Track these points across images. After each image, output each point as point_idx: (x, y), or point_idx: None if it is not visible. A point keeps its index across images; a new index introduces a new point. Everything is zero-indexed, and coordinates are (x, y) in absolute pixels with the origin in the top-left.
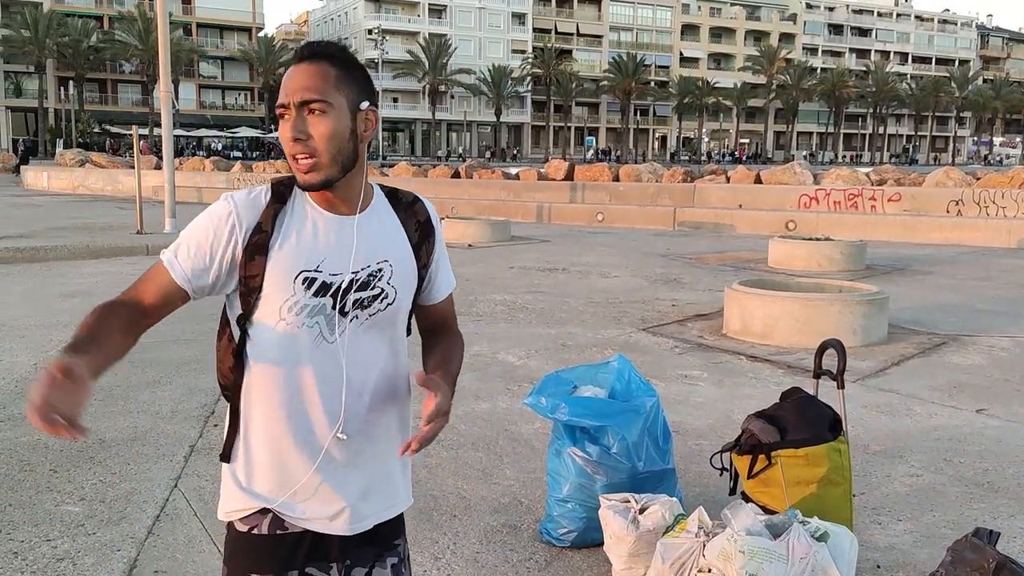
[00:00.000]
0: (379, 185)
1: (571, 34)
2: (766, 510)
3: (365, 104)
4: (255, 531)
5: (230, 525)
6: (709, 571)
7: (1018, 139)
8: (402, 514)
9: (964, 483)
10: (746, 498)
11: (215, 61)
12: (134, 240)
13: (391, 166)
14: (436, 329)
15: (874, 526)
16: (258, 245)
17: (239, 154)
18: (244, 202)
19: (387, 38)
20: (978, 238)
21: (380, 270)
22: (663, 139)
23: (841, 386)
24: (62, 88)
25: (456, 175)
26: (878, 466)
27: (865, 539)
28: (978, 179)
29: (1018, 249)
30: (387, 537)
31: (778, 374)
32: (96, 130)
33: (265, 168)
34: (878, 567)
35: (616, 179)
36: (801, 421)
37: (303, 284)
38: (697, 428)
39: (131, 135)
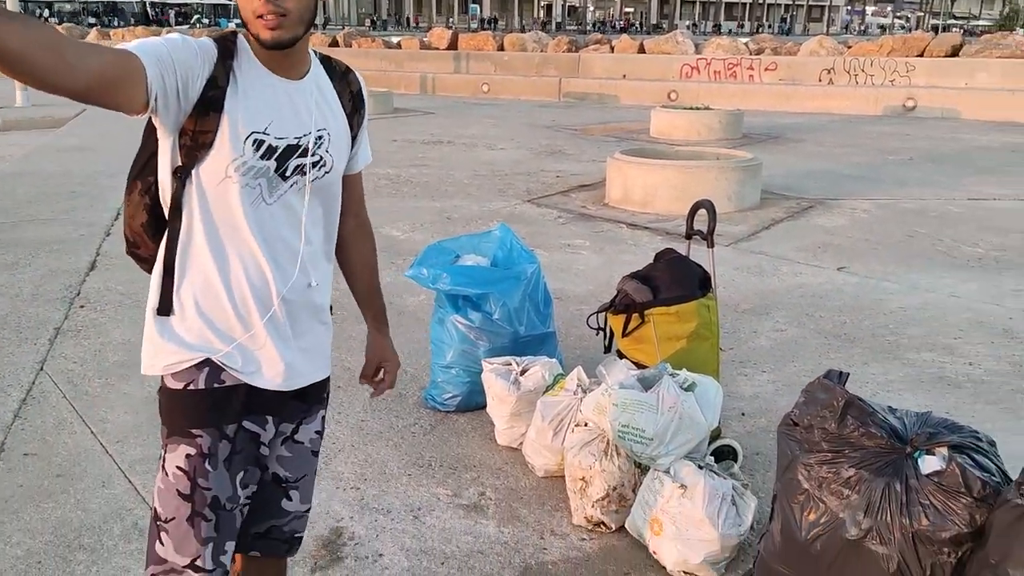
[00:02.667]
0: (313, 51)
1: None
2: (639, 366)
3: None
4: (191, 386)
5: (162, 386)
6: (586, 425)
7: (889, 8)
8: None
9: (824, 335)
10: (621, 355)
11: None
12: None
13: None
14: (346, 209)
15: (741, 378)
16: (213, 100)
17: (94, 20)
18: (203, 48)
19: None
20: (848, 106)
21: (320, 138)
22: (548, 8)
23: (711, 245)
24: None
25: (334, 44)
26: (746, 323)
27: (732, 390)
28: (849, 48)
29: (883, 116)
30: (317, 392)
31: (657, 240)
32: None
33: (124, 36)
34: (743, 414)
35: (501, 49)
36: (672, 280)
37: (253, 145)
38: (578, 294)
39: None
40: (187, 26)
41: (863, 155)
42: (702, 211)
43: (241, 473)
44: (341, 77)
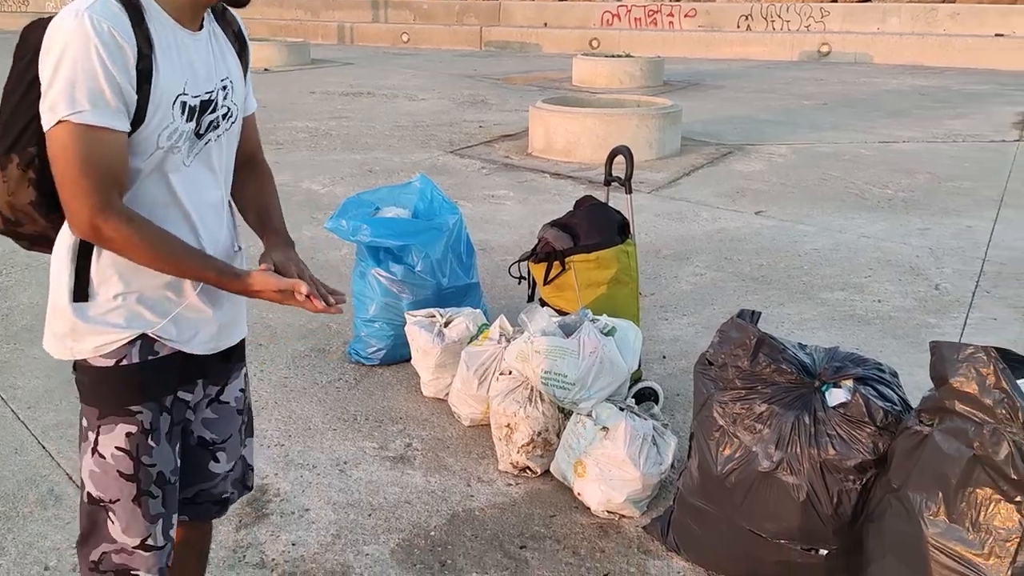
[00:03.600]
0: None
1: None
2: (561, 313)
3: None
4: (124, 362)
5: (84, 365)
6: (510, 373)
7: None
8: None
9: (741, 278)
10: (543, 303)
11: None
12: None
13: None
14: (243, 156)
15: (662, 322)
16: (144, 72)
17: None
18: (115, 20)
19: None
20: (765, 52)
21: (224, 87)
22: None
23: (629, 191)
24: None
25: None
26: (667, 268)
27: (653, 334)
28: None
29: (799, 62)
30: (239, 350)
31: (580, 189)
32: None
33: None
34: (664, 357)
35: None
36: (592, 227)
37: (180, 109)
38: (503, 244)
39: None
40: None
41: (780, 100)
42: (620, 157)
43: (178, 444)
44: (220, 17)
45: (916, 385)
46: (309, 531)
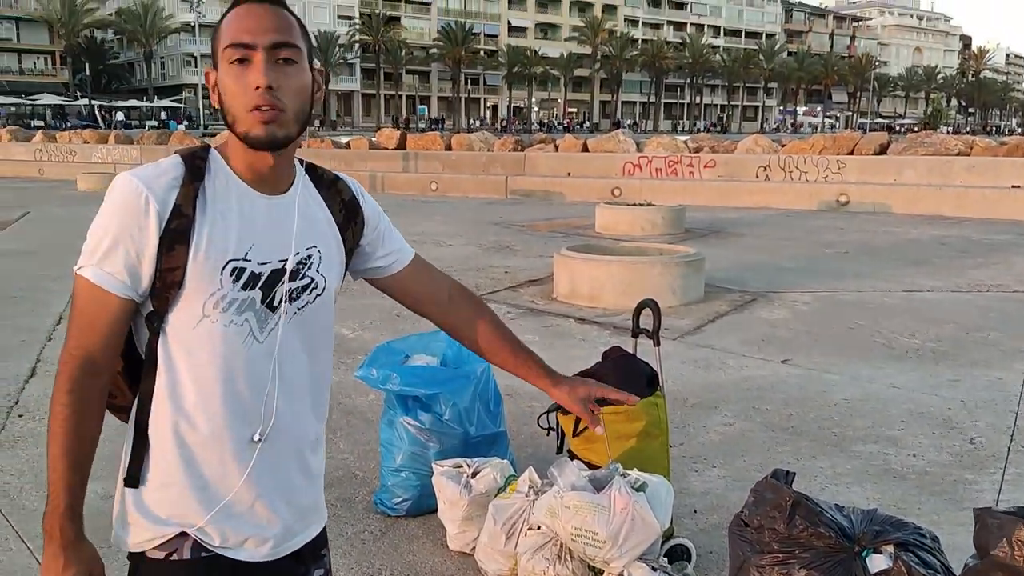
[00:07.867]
0: (299, 160)
1: (398, 0)
2: (590, 466)
3: (316, 63)
4: (174, 557)
5: (135, 554)
6: (539, 528)
7: (818, 108)
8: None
9: (771, 429)
10: (572, 456)
11: (9, 22)
12: None
13: (214, 135)
14: (441, 296)
15: (692, 474)
16: (178, 232)
17: (40, 123)
18: (155, 179)
19: (203, 0)
20: (784, 201)
21: (309, 257)
22: (494, 108)
23: (657, 344)
24: None
25: None
26: (695, 418)
27: (683, 486)
28: (783, 146)
29: (818, 211)
30: (313, 551)
31: (604, 335)
32: None
33: (71, 138)
34: (695, 511)
35: (448, 148)
36: (621, 378)
37: (231, 276)
38: (529, 391)
39: None
40: (136, 129)
41: (801, 248)
42: (647, 309)
43: None
44: (329, 186)
45: (956, 546)
46: None
